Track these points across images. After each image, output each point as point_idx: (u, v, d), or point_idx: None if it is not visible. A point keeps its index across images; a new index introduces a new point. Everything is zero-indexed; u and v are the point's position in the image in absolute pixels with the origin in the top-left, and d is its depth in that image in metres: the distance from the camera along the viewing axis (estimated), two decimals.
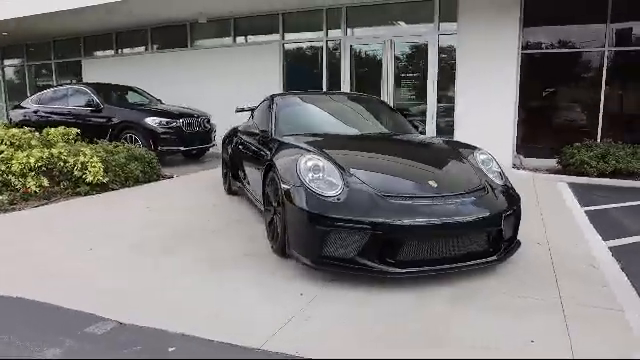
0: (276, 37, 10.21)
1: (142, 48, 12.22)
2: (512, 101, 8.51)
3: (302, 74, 10.44)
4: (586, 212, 5.12)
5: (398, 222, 2.86)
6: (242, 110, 6.76)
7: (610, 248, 3.95)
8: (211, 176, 7.29)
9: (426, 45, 9.11)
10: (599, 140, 8.33)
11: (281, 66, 10.23)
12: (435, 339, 2.38)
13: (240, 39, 10.75)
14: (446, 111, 9.16)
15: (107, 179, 6.05)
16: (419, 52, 9.35)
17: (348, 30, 9.63)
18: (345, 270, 2.96)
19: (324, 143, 3.89)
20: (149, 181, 6.74)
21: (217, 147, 9.20)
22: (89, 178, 5.82)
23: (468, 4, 8.50)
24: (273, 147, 3.92)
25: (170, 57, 11.49)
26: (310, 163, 3.19)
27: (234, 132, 5.86)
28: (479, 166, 3.60)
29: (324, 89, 9.99)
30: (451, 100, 8.94)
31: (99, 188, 5.99)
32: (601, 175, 7.08)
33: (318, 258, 2.96)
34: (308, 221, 2.96)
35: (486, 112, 8.46)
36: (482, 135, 7.62)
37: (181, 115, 8.45)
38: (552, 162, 8.02)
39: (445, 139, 4.82)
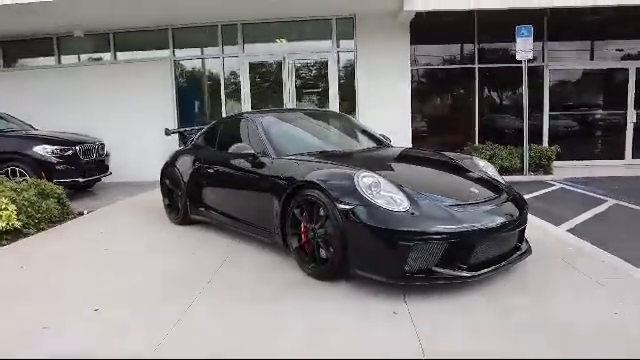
0: (166, 53, 9.50)
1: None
2: (407, 111, 9.38)
3: (197, 92, 9.91)
4: None
5: (472, 228, 3.00)
6: (173, 133, 6.19)
7: (567, 231, 4.71)
8: (133, 206, 6.46)
9: (326, 61, 9.49)
10: (477, 142, 9.70)
11: (173, 84, 9.54)
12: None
13: (124, 55, 9.71)
14: None
15: (20, 223, 4.93)
16: (319, 68, 9.68)
17: (246, 47, 9.47)
18: (424, 281, 2.98)
19: (342, 160, 3.83)
20: (61, 221, 5.67)
21: (113, 177, 8.23)
22: (0, 225, 4.68)
23: (364, 26, 9.14)
24: (287, 169, 3.71)
25: (35, 75, 9.75)
26: (368, 180, 3.14)
27: (175, 158, 5.35)
28: (485, 171, 3.95)
29: (223, 106, 9.63)
30: (352, 112, 9.42)
31: (9, 236, 4.85)
32: None
33: (399, 274, 2.93)
34: (388, 239, 2.91)
35: (385, 121, 9.09)
36: None
37: (76, 142, 7.29)
38: None
39: (432, 150, 5.11)
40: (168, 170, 5.44)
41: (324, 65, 9.55)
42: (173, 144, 9.15)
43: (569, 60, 10.01)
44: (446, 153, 4.40)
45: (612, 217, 5.54)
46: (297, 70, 9.60)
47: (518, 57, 8.66)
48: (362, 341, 2.49)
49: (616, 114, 10.11)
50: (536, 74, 9.66)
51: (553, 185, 7.83)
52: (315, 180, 3.32)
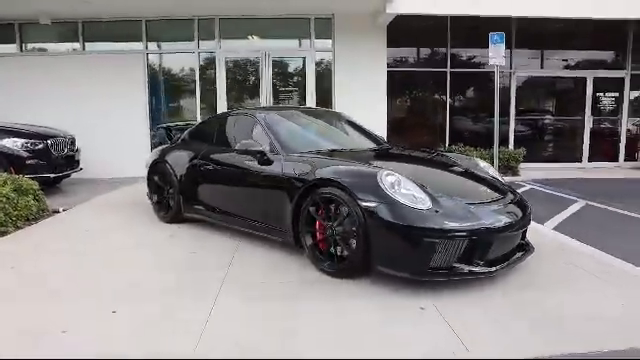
0: (139, 46, 9.16)
1: None
2: (384, 112, 9.54)
3: (171, 87, 9.63)
4: None
5: (491, 225, 3.12)
6: (159, 128, 6.02)
7: (552, 230, 4.97)
8: (112, 203, 6.21)
9: (304, 60, 9.48)
10: (447, 144, 10.01)
11: (146, 79, 9.21)
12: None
13: (94, 46, 9.27)
14: None
15: None
16: (297, 66, 9.66)
17: (223, 42, 9.30)
18: (446, 277, 3.07)
19: (354, 159, 3.87)
20: (37, 219, 5.37)
21: (81, 173, 7.87)
22: None
23: (343, 26, 9.21)
24: (301, 167, 3.69)
25: None
26: (391, 178, 3.18)
27: (166, 154, 5.20)
28: (487, 172, 4.10)
29: (197, 103, 9.41)
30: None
31: None
32: None
33: (423, 270, 3.00)
34: (413, 236, 2.97)
35: (362, 121, 9.23)
36: None
37: (47, 136, 6.90)
38: None
39: (431, 150, 5.20)
40: (158, 166, 5.27)
41: (302, 64, 9.55)
42: (143, 139, 8.89)
43: (534, 68, 10.52)
44: (446, 153, 4.52)
45: (588, 216, 5.88)
46: (275, 68, 9.53)
47: (491, 62, 8.97)
48: (402, 339, 2.52)
49: (575, 120, 10.73)
50: (503, 80, 10.09)
51: (524, 186, 8.20)
52: (335, 178, 3.33)
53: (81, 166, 7.82)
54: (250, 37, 9.48)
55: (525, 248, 3.61)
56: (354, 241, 3.24)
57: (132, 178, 7.89)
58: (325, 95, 9.57)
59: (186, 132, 5.49)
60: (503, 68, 9.50)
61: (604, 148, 10.74)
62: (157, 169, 5.27)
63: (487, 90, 9.96)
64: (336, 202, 3.33)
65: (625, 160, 10.71)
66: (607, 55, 10.83)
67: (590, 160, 10.71)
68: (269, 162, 3.96)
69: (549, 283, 3.32)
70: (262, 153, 3.99)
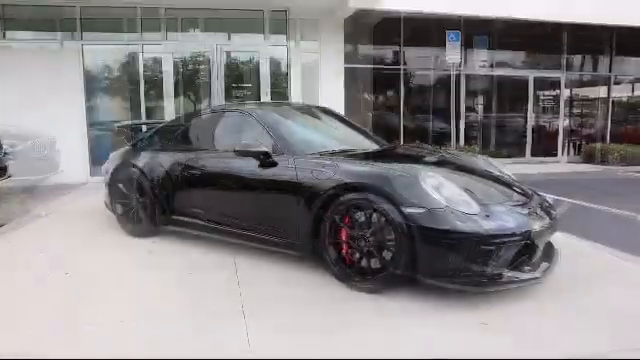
0: (73, 37, 8.09)
1: None
2: (341, 110, 9.27)
3: (111, 84, 8.65)
4: None
5: (540, 228, 2.94)
6: (122, 127, 5.28)
7: None
8: (62, 216, 5.34)
9: (258, 55, 8.97)
10: (402, 142, 10.00)
11: (82, 74, 8.17)
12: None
13: (17, 34, 8.07)
14: None
15: None
16: (251, 62, 9.12)
17: (170, 35, 8.52)
18: (501, 286, 2.83)
19: (372, 159, 3.53)
20: None
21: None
22: None
23: (297, 21, 8.80)
24: (319, 170, 3.28)
25: None
26: (433, 180, 2.90)
27: (132, 157, 4.54)
28: (503, 172, 3.90)
29: (142, 100, 8.53)
30: None
31: None
32: None
33: (477, 281, 2.75)
34: (466, 243, 2.70)
35: None
36: None
37: None
38: None
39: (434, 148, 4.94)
40: (123, 172, 4.57)
41: (255, 59, 9.03)
42: (77, 142, 7.90)
43: (481, 68, 10.83)
44: (452, 151, 4.33)
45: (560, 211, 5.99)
46: (227, 64, 8.91)
47: (447, 60, 9.10)
48: None
49: (519, 117, 11.21)
50: (450, 79, 10.27)
51: None
52: (369, 182, 2.97)
53: (9, 173, 6.72)
54: (199, 31, 8.78)
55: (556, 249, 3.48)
56: (389, 252, 2.91)
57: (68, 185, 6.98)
58: (280, 93, 9.10)
59: (153, 132, 4.85)
60: (456, 67, 9.67)
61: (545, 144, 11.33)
62: (122, 175, 4.58)
63: (439, 89, 10.10)
64: (368, 209, 2.97)
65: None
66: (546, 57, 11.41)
67: (533, 155, 11.24)
68: (273, 164, 3.51)
69: (579, 283, 3.21)
70: (266, 154, 3.52)
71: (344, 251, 3.14)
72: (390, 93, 10.49)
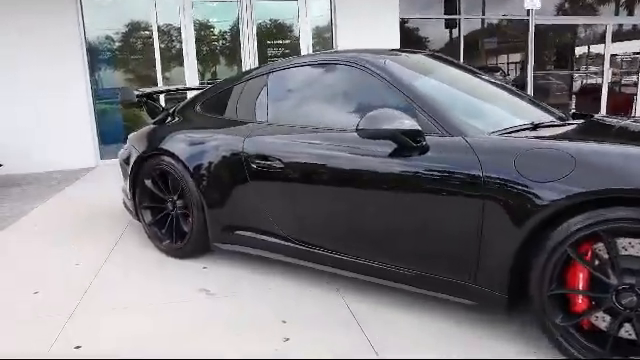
0: None
1: None
2: None
3: (118, 51, 7.05)
4: None
5: None
6: (146, 97, 3.77)
7: None
8: (65, 215, 3.90)
9: (296, 7, 7.35)
10: None
11: (83, 39, 6.57)
12: None
13: None
14: None
15: None
16: (288, 15, 7.53)
17: None
18: None
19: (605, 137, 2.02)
20: None
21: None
22: None
23: None
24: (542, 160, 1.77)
25: None
26: None
27: (164, 141, 3.04)
28: None
29: (158, 70, 6.95)
30: None
31: None
32: None
33: None
34: None
35: None
36: None
37: None
38: None
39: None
40: (150, 162, 3.10)
41: (294, 12, 7.42)
42: (81, 116, 6.42)
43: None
44: None
45: None
46: (259, 18, 7.33)
47: (525, 6, 7.48)
48: None
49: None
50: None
51: None
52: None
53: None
54: None
55: None
56: None
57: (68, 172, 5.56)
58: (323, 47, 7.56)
59: (190, 100, 3.35)
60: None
61: None
62: (149, 168, 3.10)
63: None
64: None
65: None
66: None
67: None
68: (424, 150, 2.00)
69: None
70: (418, 132, 1.99)
71: (577, 310, 1.67)
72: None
